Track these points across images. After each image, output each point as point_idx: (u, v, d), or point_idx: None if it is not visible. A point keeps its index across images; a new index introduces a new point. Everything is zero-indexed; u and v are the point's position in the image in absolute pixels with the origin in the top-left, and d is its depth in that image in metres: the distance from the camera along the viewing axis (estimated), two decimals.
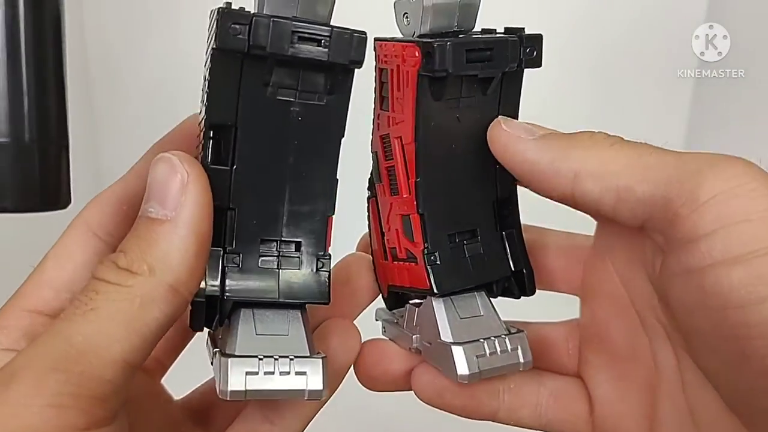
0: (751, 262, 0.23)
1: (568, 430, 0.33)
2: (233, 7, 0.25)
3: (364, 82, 0.30)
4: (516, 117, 0.31)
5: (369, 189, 0.33)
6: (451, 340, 0.30)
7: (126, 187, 0.30)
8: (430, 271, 0.30)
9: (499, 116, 0.30)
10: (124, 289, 0.24)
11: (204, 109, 0.27)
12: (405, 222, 0.31)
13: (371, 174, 0.33)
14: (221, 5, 0.25)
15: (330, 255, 0.29)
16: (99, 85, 0.72)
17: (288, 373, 0.26)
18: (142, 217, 0.25)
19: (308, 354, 0.27)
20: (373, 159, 0.32)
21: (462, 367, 0.29)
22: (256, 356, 0.26)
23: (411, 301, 0.33)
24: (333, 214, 0.29)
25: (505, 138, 0.29)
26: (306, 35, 0.25)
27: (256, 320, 0.28)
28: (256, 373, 0.26)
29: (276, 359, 0.26)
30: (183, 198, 0.25)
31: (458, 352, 0.29)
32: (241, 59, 0.26)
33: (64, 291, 0.28)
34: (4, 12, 0.21)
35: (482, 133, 0.30)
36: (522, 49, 0.29)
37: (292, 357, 0.26)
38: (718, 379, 0.26)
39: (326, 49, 0.26)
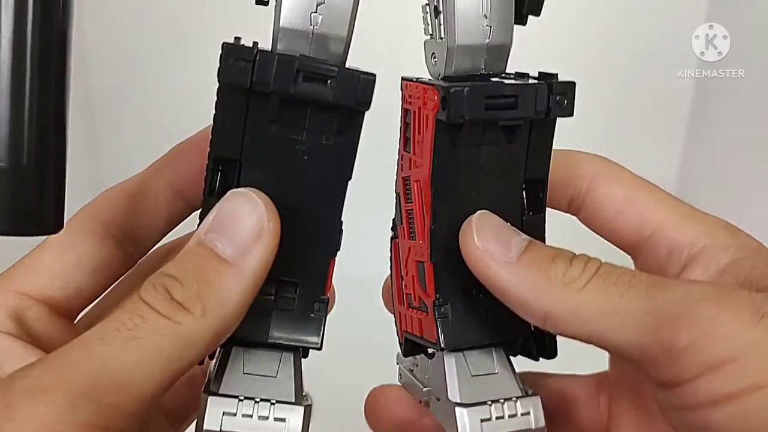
0: (738, 400, 0.22)
1: None
2: (244, 40, 0.25)
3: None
4: (546, 167, 0.29)
5: (392, 229, 0.32)
6: (458, 401, 0.28)
7: (140, 185, 0.29)
8: (438, 324, 0.28)
9: (474, 218, 0.28)
10: (172, 326, 0.23)
11: (209, 141, 0.26)
12: (420, 269, 0.29)
13: (395, 214, 0.31)
14: (230, 40, 0.25)
15: (327, 299, 0.28)
16: (99, 92, 0.72)
17: (266, 418, 0.25)
18: (205, 247, 0.24)
19: (293, 400, 0.26)
20: (396, 200, 0.31)
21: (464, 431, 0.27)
22: (237, 397, 0.25)
23: (429, 351, 0.31)
24: (335, 256, 0.28)
25: (476, 257, 0.27)
26: (311, 74, 0.25)
27: (246, 359, 0.27)
28: (234, 415, 0.25)
29: (257, 402, 0.25)
30: (257, 245, 0.24)
31: (462, 414, 0.27)
32: (247, 94, 0.25)
33: (58, 278, 0.27)
34: (11, 33, 0.20)
35: (506, 182, 0.29)
36: (551, 96, 0.27)
37: (274, 401, 0.25)
38: None
39: (332, 90, 0.25)
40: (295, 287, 0.27)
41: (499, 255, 0.26)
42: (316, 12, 0.25)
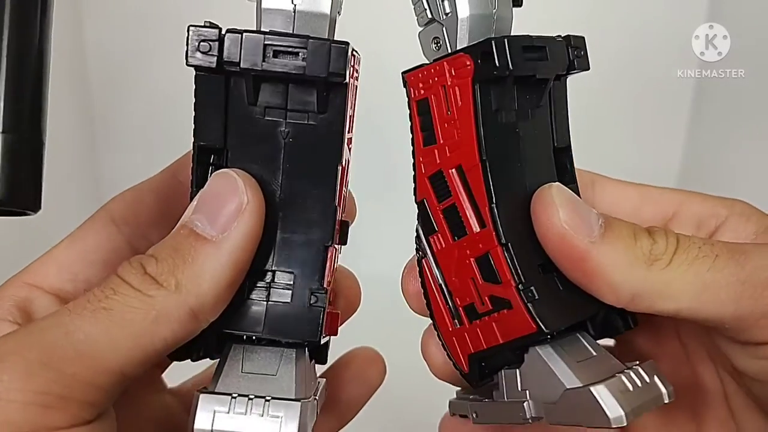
0: None
1: None
2: (211, 24, 0.24)
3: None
4: (569, 134, 0.29)
5: (418, 250, 0.29)
6: (583, 384, 0.25)
7: (155, 184, 0.29)
8: (531, 308, 0.25)
9: (553, 192, 0.26)
10: (144, 298, 0.22)
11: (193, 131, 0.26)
12: (482, 264, 0.26)
13: (417, 231, 0.29)
14: (193, 23, 0.24)
15: (326, 289, 0.26)
16: (98, 94, 0.72)
17: (261, 415, 0.24)
18: (185, 227, 0.24)
19: (293, 396, 0.25)
20: (419, 210, 0.28)
21: (613, 409, 0.24)
22: (230, 395, 0.24)
23: (505, 369, 0.27)
24: (331, 244, 0.26)
25: (561, 235, 0.25)
26: (281, 48, 0.24)
27: (245, 358, 0.26)
28: (227, 413, 0.24)
29: (251, 399, 0.24)
30: (235, 223, 0.24)
31: (603, 392, 0.24)
32: (225, 78, 0.25)
33: (66, 269, 0.27)
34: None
35: (542, 151, 0.28)
36: (570, 50, 0.27)
37: (269, 398, 0.24)
38: None
39: (303, 63, 0.24)
40: (290, 278, 0.26)
41: (584, 233, 0.25)
42: None
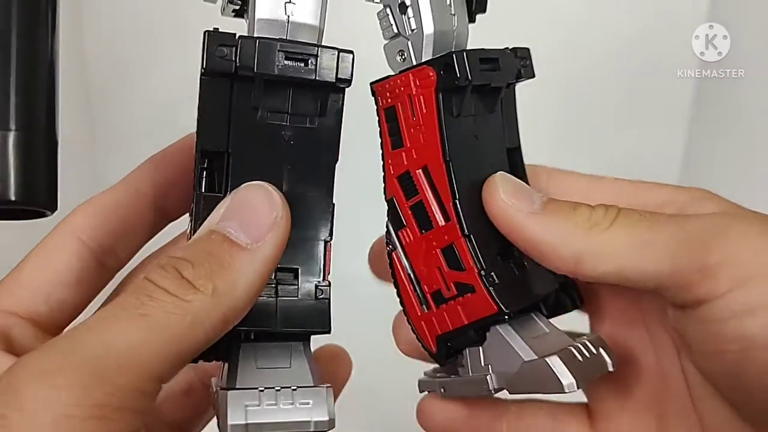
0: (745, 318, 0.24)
1: None
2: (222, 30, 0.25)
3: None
4: (518, 135, 0.32)
5: (388, 243, 0.32)
6: (539, 356, 0.28)
7: (117, 197, 0.29)
8: (492, 292, 0.29)
9: (497, 177, 0.29)
10: (180, 303, 0.22)
11: (196, 134, 0.26)
12: (448, 253, 0.30)
13: (387, 226, 0.32)
14: (209, 29, 0.25)
15: (329, 282, 0.28)
16: (98, 95, 0.72)
17: (291, 404, 0.25)
18: (216, 233, 0.24)
19: (312, 384, 0.26)
20: (389, 207, 0.31)
21: (565, 377, 0.27)
22: (257, 388, 0.25)
23: (469, 347, 0.31)
24: (331, 240, 0.28)
25: (504, 211, 0.28)
26: (293, 54, 0.25)
27: (257, 355, 0.27)
28: (258, 406, 0.24)
29: (278, 390, 0.25)
30: (269, 234, 0.24)
31: (556, 363, 0.27)
32: (230, 83, 0.26)
33: (39, 294, 0.27)
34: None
35: (497, 153, 0.31)
36: (517, 60, 0.30)
37: (295, 387, 0.25)
38: (737, 405, 0.27)
39: (313, 68, 0.26)
40: (295, 274, 0.28)
41: (525, 206, 0.28)
42: (290, 2, 0.26)
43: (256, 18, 0.26)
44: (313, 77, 0.26)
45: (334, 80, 0.26)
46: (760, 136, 0.68)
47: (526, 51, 0.31)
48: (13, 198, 0.20)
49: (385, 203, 0.31)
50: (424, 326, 0.31)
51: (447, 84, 0.28)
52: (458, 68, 0.28)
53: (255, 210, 0.25)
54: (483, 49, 0.29)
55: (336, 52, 0.26)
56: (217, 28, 0.25)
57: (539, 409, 0.33)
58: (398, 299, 0.32)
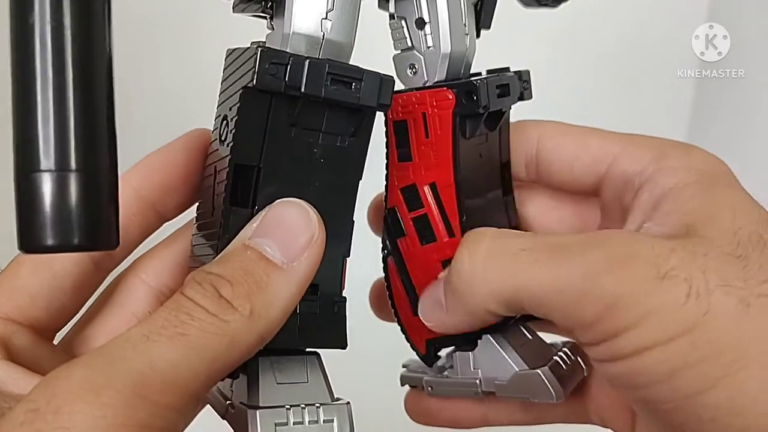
0: (632, 359, 0.24)
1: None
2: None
3: None
4: (509, 150, 0.33)
5: (384, 248, 0.33)
6: (531, 367, 0.30)
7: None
8: None
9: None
10: (219, 323, 0.22)
11: (229, 148, 0.26)
12: (448, 265, 0.30)
13: (384, 231, 0.32)
14: (259, 43, 0.25)
15: (345, 298, 0.28)
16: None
17: (316, 421, 0.25)
18: (252, 249, 0.24)
19: (330, 401, 0.27)
20: (389, 216, 0.32)
21: (556, 388, 0.29)
22: (284, 406, 0.25)
23: (456, 349, 0.33)
24: (348, 255, 0.28)
25: (434, 326, 0.30)
26: (339, 77, 0.25)
27: (276, 369, 0.27)
28: (286, 424, 0.25)
29: (303, 408, 0.25)
30: (305, 254, 0.24)
31: (548, 374, 0.30)
32: (270, 99, 0.25)
33: (39, 300, 0.27)
34: (51, 25, 0.18)
35: (494, 169, 0.32)
36: (520, 83, 0.32)
37: (318, 405, 0.26)
38: None
39: (357, 92, 0.26)
40: (315, 289, 0.27)
41: (439, 314, 0.30)
42: (326, 18, 0.26)
43: (292, 31, 0.26)
44: (357, 101, 0.26)
45: (375, 105, 0.26)
46: (760, 136, 0.68)
47: (527, 74, 0.32)
48: (77, 243, 0.19)
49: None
50: (416, 329, 0.33)
51: (465, 110, 0.29)
52: (480, 97, 0.29)
53: (291, 228, 0.24)
54: (498, 76, 0.31)
55: (379, 78, 0.26)
56: (264, 43, 0.25)
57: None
58: (390, 301, 0.33)
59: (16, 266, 0.27)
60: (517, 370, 0.30)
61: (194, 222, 0.29)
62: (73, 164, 0.18)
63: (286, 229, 0.24)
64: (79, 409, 0.19)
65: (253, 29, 0.28)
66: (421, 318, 0.31)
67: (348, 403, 0.26)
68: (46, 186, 0.18)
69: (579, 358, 0.32)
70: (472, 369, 0.32)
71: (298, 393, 0.26)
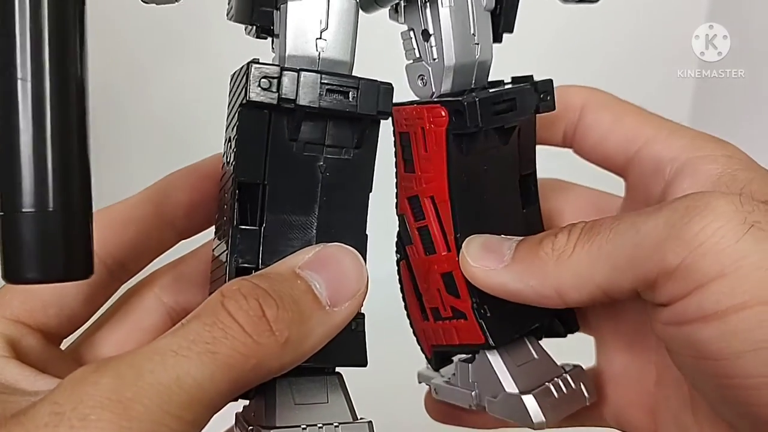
0: (724, 319, 0.23)
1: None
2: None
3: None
4: (534, 161, 0.32)
5: (397, 252, 0.33)
6: (518, 390, 0.29)
7: (136, 211, 0.29)
8: (483, 325, 0.30)
9: (464, 245, 0.29)
10: (252, 345, 0.22)
11: (232, 168, 0.26)
12: (447, 279, 0.30)
13: (398, 236, 0.32)
14: (253, 60, 0.25)
15: (364, 314, 0.27)
16: (97, 96, 0.72)
17: None
18: (305, 282, 0.24)
19: (350, 419, 0.26)
20: (400, 221, 0.32)
21: (537, 416, 0.29)
22: (299, 426, 0.24)
23: (460, 358, 0.32)
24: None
25: (478, 276, 0.28)
26: (334, 87, 0.25)
27: (294, 390, 0.26)
28: None
29: (320, 428, 0.25)
30: (347, 303, 0.24)
31: (530, 401, 0.29)
32: (269, 115, 0.25)
33: (52, 306, 0.27)
34: (31, 82, 0.20)
35: (507, 182, 0.31)
36: (537, 95, 0.30)
37: (336, 425, 0.25)
38: (730, 421, 0.26)
39: (354, 101, 0.25)
40: None
41: (496, 263, 0.28)
42: (320, 38, 0.26)
43: (287, 55, 0.26)
44: (355, 110, 0.25)
45: (374, 113, 0.26)
46: (760, 136, 0.68)
47: (549, 83, 0.30)
48: (54, 276, 0.21)
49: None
50: (423, 334, 0.33)
51: (457, 128, 0.28)
52: (469, 117, 0.28)
53: (344, 275, 0.24)
54: (500, 91, 0.29)
55: (377, 85, 0.26)
56: (258, 59, 0.25)
57: None
58: (403, 303, 0.33)
59: None
60: (507, 391, 0.30)
61: (213, 243, 0.29)
62: (51, 205, 0.20)
63: (340, 274, 0.24)
64: (106, 419, 0.19)
65: (259, 48, 0.28)
66: (464, 269, 0.29)
67: (370, 422, 0.26)
68: (28, 226, 0.20)
69: (582, 385, 0.31)
70: (470, 380, 0.32)
71: (316, 414, 0.26)
